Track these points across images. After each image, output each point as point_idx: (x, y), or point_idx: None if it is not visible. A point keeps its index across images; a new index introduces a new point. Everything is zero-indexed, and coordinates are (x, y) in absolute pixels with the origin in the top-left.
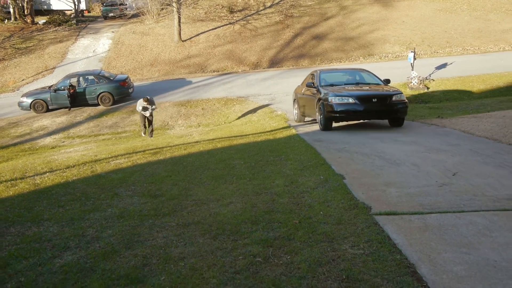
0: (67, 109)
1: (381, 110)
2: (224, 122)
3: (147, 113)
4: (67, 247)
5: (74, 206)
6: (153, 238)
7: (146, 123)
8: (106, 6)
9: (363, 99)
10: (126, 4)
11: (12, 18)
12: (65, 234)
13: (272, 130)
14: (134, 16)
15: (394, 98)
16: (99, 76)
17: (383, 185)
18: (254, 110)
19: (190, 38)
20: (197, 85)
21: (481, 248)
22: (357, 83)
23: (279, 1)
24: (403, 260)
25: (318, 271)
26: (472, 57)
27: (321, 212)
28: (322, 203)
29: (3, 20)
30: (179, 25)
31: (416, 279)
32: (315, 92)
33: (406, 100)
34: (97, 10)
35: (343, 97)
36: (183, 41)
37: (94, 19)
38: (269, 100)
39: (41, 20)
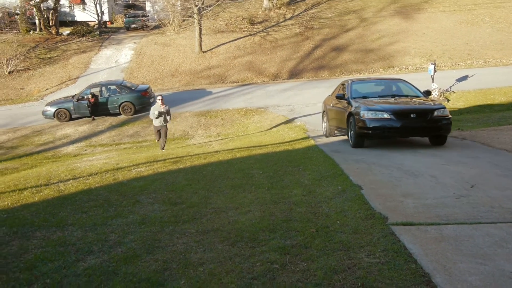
0: (91, 118)
1: (421, 126)
2: (244, 132)
3: (161, 122)
4: (91, 251)
5: (97, 212)
6: (173, 244)
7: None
8: (128, 17)
9: (400, 114)
10: (148, 16)
11: (38, 29)
12: (88, 238)
13: (291, 141)
14: (156, 27)
15: (436, 113)
16: (121, 86)
17: (400, 196)
18: (273, 121)
19: (211, 49)
20: (217, 95)
21: (497, 259)
22: (393, 95)
23: (299, 13)
24: (419, 269)
25: (334, 278)
26: (494, 70)
27: (338, 222)
28: (339, 213)
29: (28, 31)
30: (200, 37)
31: None
32: (346, 105)
33: (450, 116)
34: (119, 21)
35: (377, 112)
36: (203, 52)
37: (116, 30)
38: (288, 111)
39: (66, 31)
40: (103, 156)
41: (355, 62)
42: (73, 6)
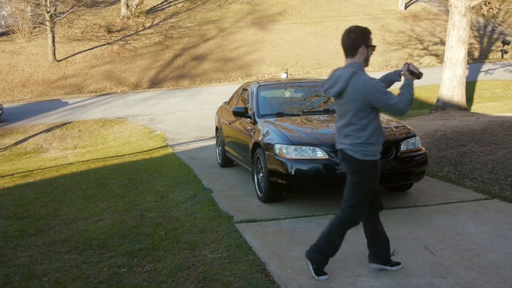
0: None
1: (380, 172)
2: (102, 144)
3: None
4: None
5: None
6: (17, 258)
7: None
8: None
9: None
10: None
11: None
12: None
13: (149, 150)
14: (3, 34)
15: (403, 147)
16: None
17: (247, 197)
18: (133, 131)
19: (66, 58)
20: (73, 106)
21: None
22: (327, 111)
23: (159, 22)
24: (256, 260)
25: (178, 275)
26: None
27: (187, 224)
28: (189, 216)
29: None
30: (54, 45)
31: (265, 275)
32: (250, 127)
33: (424, 149)
34: None
35: (306, 147)
36: (58, 61)
37: None
38: (148, 120)
39: None
40: None
41: (215, 71)
42: None
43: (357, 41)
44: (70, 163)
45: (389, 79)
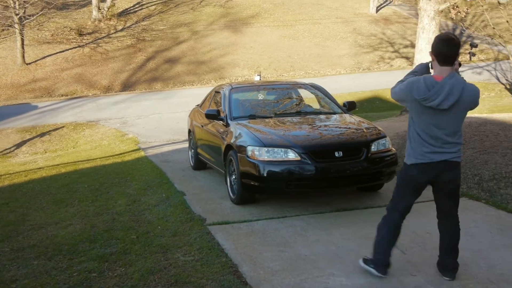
0: None
1: (351, 173)
2: (73, 148)
3: None
4: None
5: None
6: None
7: None
8: None
9: (316, 151)
10: None
11: None
12: None
13: (121, 153)
14: None
15: (373, 148)
16: None
17: (219, 199)
18: (104, 134)
19: (36, 61)
20: (43, 110)
21: (295, 246)
22: (299, 112)
23: (131, 25)
24: (228, 262)
25: (149, 279)
26: (313, 80)
27: (159, 227)
28: (161, 219)
29: None
30: (23, 48)
31: (237, 277)
32: (223, 129)
33: (394, 150)
34: None
35: (277, 149)
36: (27, 64)
37: None
38: (120, 123)
39: None
40: None
41: (188, 74)
42: None
43: (459, 49)
44: (40, 168)
45: (421, 74)
